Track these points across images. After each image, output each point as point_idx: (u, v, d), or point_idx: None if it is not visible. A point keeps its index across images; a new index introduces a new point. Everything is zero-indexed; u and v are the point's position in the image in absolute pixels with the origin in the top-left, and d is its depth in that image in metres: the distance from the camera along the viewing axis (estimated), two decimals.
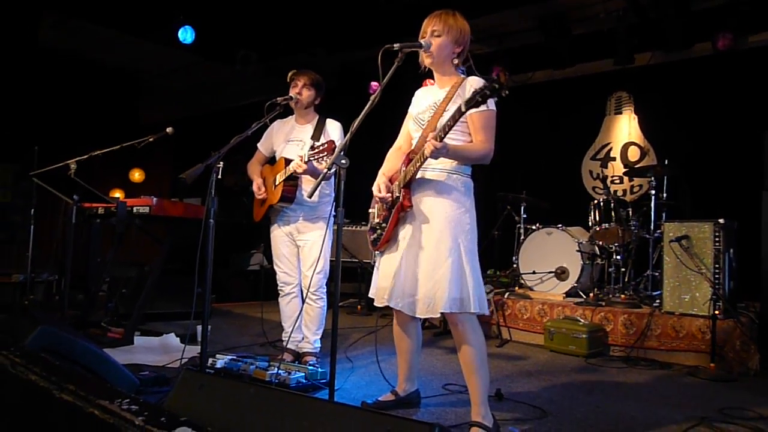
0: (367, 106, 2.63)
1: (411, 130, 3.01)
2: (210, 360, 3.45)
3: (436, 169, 2.80)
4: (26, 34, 6.73)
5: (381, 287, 2.88)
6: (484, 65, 7.66)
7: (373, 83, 8.00)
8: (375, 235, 2.96)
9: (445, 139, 2.60)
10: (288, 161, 3.79)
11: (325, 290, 3.97)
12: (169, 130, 4.26)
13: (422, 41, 2.80)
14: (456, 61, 2.89)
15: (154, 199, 4.25)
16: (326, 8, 6.70)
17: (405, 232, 2.83)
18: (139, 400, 1.41)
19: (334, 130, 3.93)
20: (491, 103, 2.72)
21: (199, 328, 3.40)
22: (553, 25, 6.79)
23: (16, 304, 5.85)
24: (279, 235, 4.00)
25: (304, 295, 3.85)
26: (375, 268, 3.03)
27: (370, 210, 3.08)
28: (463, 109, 2.49)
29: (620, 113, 7.33)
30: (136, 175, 11.01)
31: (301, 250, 3.94)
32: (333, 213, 3.75)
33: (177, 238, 4.51)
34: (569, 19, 6.74)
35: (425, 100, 2.97)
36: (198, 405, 1.82)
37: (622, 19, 6.44)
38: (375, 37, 6.17)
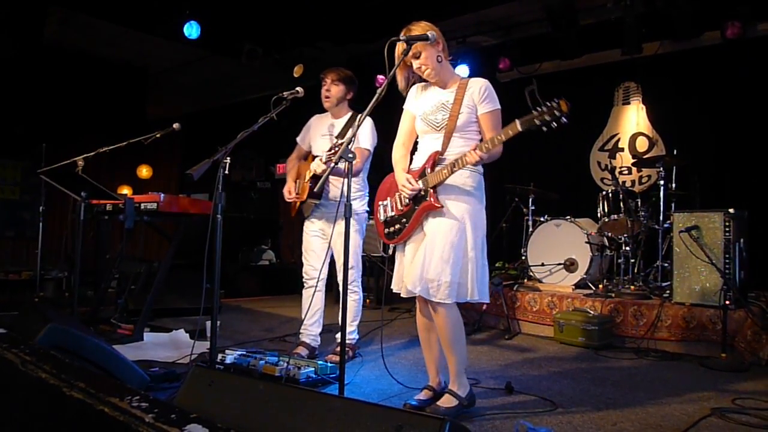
0: (374, 100, 2.64)
1: (419, 129, 3.06)
2: (220, 355, 3.45)
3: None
4: (32, 30, 6.72)
5: (402, 278, 2.99)
6: (492, 57, 7.63)
7: (380, 76, 7.97)
8: (392, 229, 3.04)
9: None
10: (315, 159, 3.93)
11: (358, 283, 4.08)
12: (175, 126, 4.26)
13: (428, 34, 2.79)
14: (443, 57, 2.96)
15: (162, 195, 4.25)
16: (332, 0, 6.67)
17: (427, 226, 2.93)
18: (150, 397, 1.40)
19: (363, 126, 3.91)
20: (497, 101, 2.92)
21: (209, 323, 3.41)
22: (560, 16, 6.72)
23: (27, 302, 5.88)
24: (311, 230, 4.09)
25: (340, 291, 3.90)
26: (397, 262, 3.11)
27: (380, 202, 3.13)
28: (520, 128, 2.62)
29: (628, 103, 7.28)
30: (144, 171, 11.03)
31: (333, 245, 3.94)
32: (366, 209, 4.06)
33: (185, 233, 4.51)
34: (576, 9, 6.68)
35: (429, 100, 3.04)
36: (208, 401, 1.82)
37: (629, 8, 6.37)
38: (382, 29, 6.15)
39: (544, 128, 2.57)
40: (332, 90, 3.98)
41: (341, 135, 3.95)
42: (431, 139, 3.00)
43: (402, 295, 3.01)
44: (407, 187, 2.93)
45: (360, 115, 2.77)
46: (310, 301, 4.00)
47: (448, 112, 2.92)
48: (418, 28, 2.88)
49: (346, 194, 2.59)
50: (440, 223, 2.86)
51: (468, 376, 3.57)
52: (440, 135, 2.95)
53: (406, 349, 4.46)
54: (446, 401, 2.88)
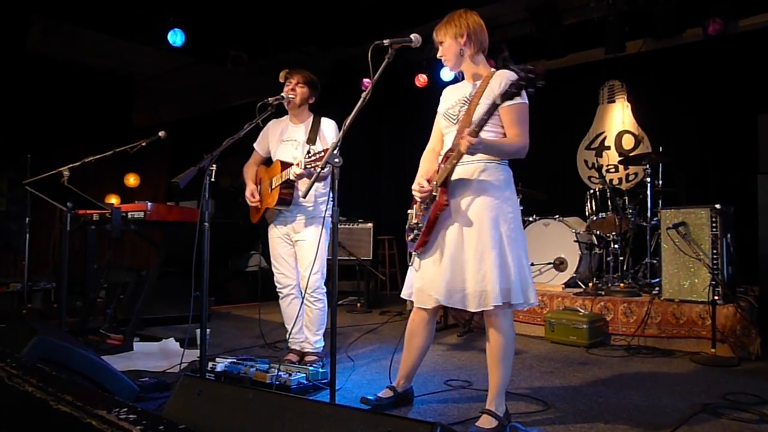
0: (359, 104, 2.63)
1: (442, 127, 2.97)
2: (210, 364, 3.43)
3: (473, 161, 2.77)
4: (15, 40, 6.67)
5: (426, 288, 2.83)
6: None
7: (365, 80, 7.97)
8: (412, 236, 2.92)
9: (480, 134, 2.59)
10: (284, 164, 3.77)
11: (323, 290, 3.91)
12: (161, 133, 4.23)
13: (412, 37, 2.77)
14: (469, 52, 2.86)
15: (149, 204, 4.22)
16: (317, 5, 6.67)
17: (447, 230, 2.78)
18: (137, 409, 1.39)
19: (329, 129, 3.90)
20: (524, 95, 2.72)
21: (199, 331, 3.39)
22: (543, 16, 6.76)
23: (14, 314, 5.83)
24: (276, 235, 3.96)
25: (303, 296, 3.83)
26: (411, 268, 2.98)
27: (409, 211, 3.04)
28: (498, 102, 2.51)
29: (613, 102, 7.32)
30: (132, 180, 10.96)
31: (298, 250, 3.89)
32: (330, 213, 3.67)
33: (173, 242, 4.49)
34: (559, 9, 6.72)
35: (454, 96, 2.95)
36: (197, 411, 1.81)
37: (611, 7, 6.42)
38: (367, 34, 6.15)
39: (515, 89, 2.44)
40: (297, 91, 3.89)
41: (310, 140, 3.85)
42: (450, 136, 2.87)
43: (419, 305, 2.91)
44: (417, 189, 2.85)
45: (347, 119, 2.70)
46: (290, 311, 3.97)
47: (468, 106, 2.81)
48: (449, 21, 2.85)
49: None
50: (462, 226, 2.73)
51: (460, 378, 3.60)
52: (455, 129, 2.83)
53: (398, 353, 4.44)
54: (486, 422, 2.68)
